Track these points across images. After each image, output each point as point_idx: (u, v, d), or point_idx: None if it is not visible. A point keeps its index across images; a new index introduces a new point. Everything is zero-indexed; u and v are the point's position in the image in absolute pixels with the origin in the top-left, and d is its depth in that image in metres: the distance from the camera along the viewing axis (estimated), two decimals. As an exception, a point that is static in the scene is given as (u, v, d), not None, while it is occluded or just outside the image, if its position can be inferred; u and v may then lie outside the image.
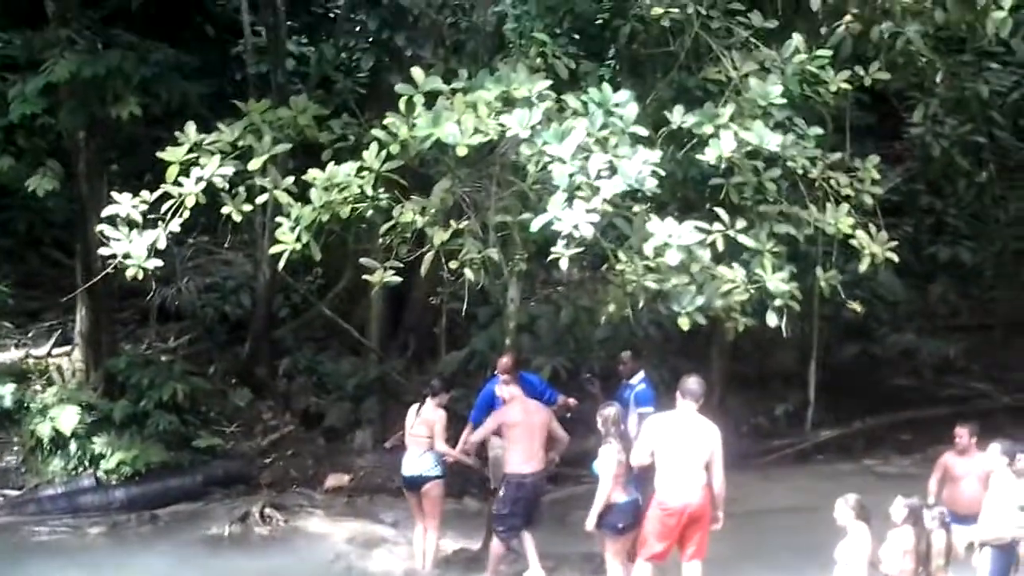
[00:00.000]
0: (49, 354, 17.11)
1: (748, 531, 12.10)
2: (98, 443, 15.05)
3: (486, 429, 11.91)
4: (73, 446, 15.06)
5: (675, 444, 10.18)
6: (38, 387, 16.20)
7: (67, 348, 16.99)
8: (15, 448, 15.38)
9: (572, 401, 12.89)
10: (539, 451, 11.66)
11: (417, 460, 12.17)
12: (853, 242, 10.74)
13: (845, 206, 10.80)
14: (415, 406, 12.44)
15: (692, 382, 10.40)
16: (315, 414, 16.62)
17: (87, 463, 15.04)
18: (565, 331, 16.09)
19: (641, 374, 12.24)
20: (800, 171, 10.62)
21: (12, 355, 17.19)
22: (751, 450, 16.19)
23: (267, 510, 14.17)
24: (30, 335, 17.98)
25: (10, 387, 15.51)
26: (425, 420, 12.15)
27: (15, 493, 14.90)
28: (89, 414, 15.26)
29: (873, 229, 10.85)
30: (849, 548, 9.75)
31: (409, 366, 17.07)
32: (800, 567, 10.73)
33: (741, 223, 10.15)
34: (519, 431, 11.62)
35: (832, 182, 10.96)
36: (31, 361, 16.89)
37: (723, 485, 10.22)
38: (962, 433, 11.75)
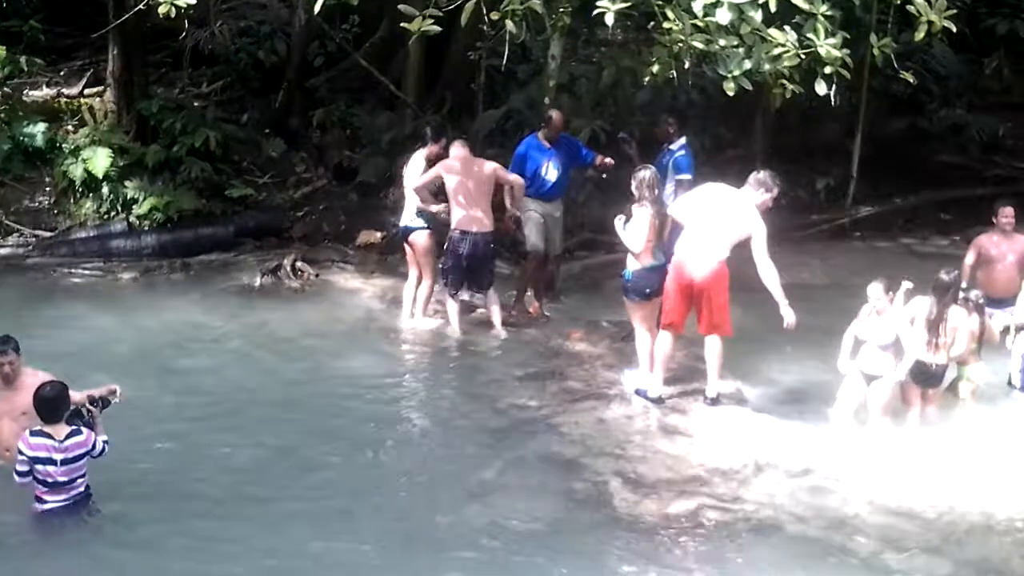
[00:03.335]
0: (81, 94, 16.97)
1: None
2: (130, 187, 15.00)
3: (429, 176, 11.82)
4: (105, 189, 15.01)
5: (703, 214, 9.99)
6: (70, 127, 16.09)
7: (99, 89, 16.81)
8: (47, 189, 15.32)
9: (608, 160, 12.76)
10: (483, 212, 11.73)
11: (406, 211, 12.21)
12: (910, 8, 10.27)
13: (905, -31, 10.31)
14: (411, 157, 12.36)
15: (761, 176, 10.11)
16: (348, 168, 16.39)
17: (119, 207, 15.02)
18: (606, 93, 15.70)
19: (682, 140, 11.98)
20: (861, -70, 10.12)
21: (43, 93, 17.04)
22: (788, 224, 15.93)
23: (298, 263, 14.12)
24: (62, 73, 17.79)
25: (41, 126, 15.35)
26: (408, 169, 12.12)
27: (47, 234, 14.89)
28: (121, 157, 15.17)
29: (932, -4, 10.37)
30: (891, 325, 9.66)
31: (445, 123, 16.75)
32: (827, 343, 10.59)
33: (795, -16, 9.74)
34: (457, 187, 11.67)
35: (893, -56, 10.45)
36: (63, 100, 16.76)
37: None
38: (1009, 213, 11.43)
